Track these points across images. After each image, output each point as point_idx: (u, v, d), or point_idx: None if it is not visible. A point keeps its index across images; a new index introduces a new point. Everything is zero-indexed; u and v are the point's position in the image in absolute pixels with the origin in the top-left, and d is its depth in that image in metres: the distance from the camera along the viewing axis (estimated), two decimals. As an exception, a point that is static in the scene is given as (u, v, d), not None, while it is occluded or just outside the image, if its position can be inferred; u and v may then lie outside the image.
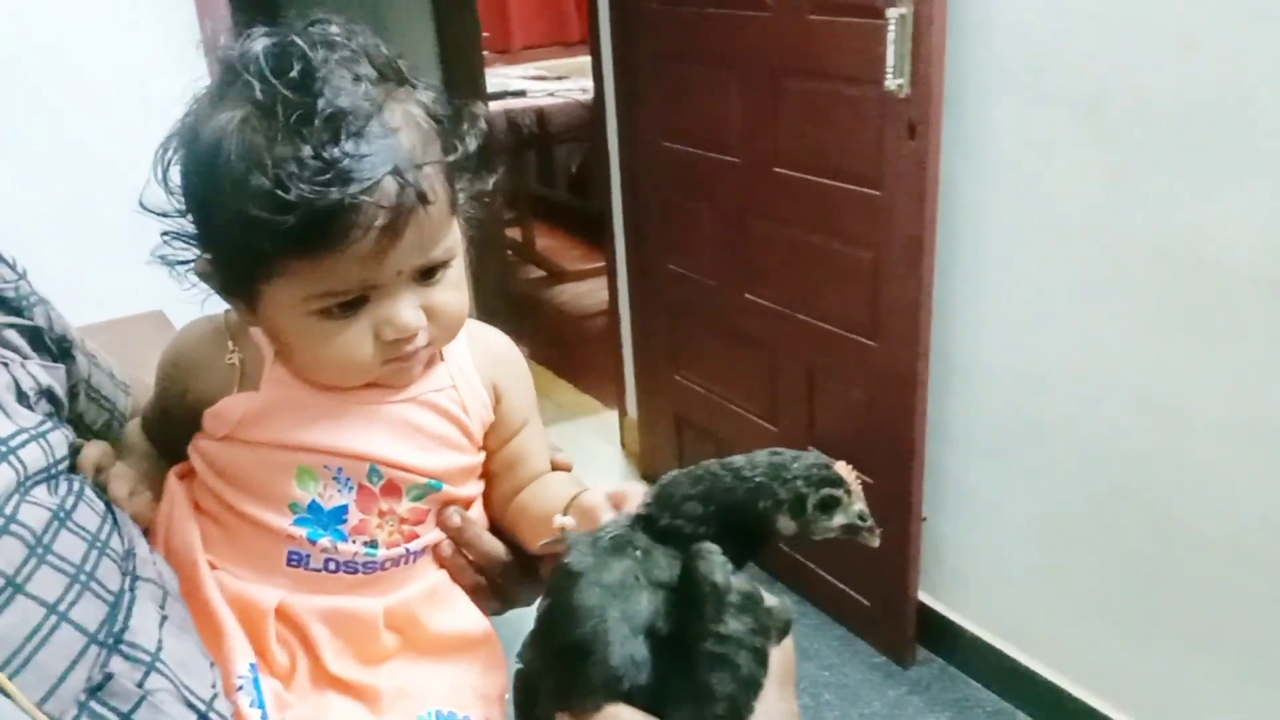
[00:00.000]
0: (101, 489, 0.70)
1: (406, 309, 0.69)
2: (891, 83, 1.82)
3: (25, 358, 0.67)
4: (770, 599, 0.57)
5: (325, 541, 0.74)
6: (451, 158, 0.70)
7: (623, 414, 3.16)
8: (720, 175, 2.34)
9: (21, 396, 0.64)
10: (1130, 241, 1.64)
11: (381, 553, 0.76)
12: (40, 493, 0.59)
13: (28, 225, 1.90)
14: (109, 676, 0.58)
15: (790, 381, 2.31)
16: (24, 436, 0.60)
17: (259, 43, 0.65)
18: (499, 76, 5.48)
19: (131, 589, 0.64)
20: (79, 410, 0.74)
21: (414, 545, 0.78)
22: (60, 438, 0.64)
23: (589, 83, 4.83)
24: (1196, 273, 1.56)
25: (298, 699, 0.73)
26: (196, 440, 0.78)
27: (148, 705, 0.59)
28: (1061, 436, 1.84)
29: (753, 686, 0.52)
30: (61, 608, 0.57)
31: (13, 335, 0.67)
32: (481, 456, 0.82)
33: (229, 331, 0.77)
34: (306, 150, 0.62)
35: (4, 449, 0.58)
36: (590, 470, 3.13)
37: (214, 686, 0.66)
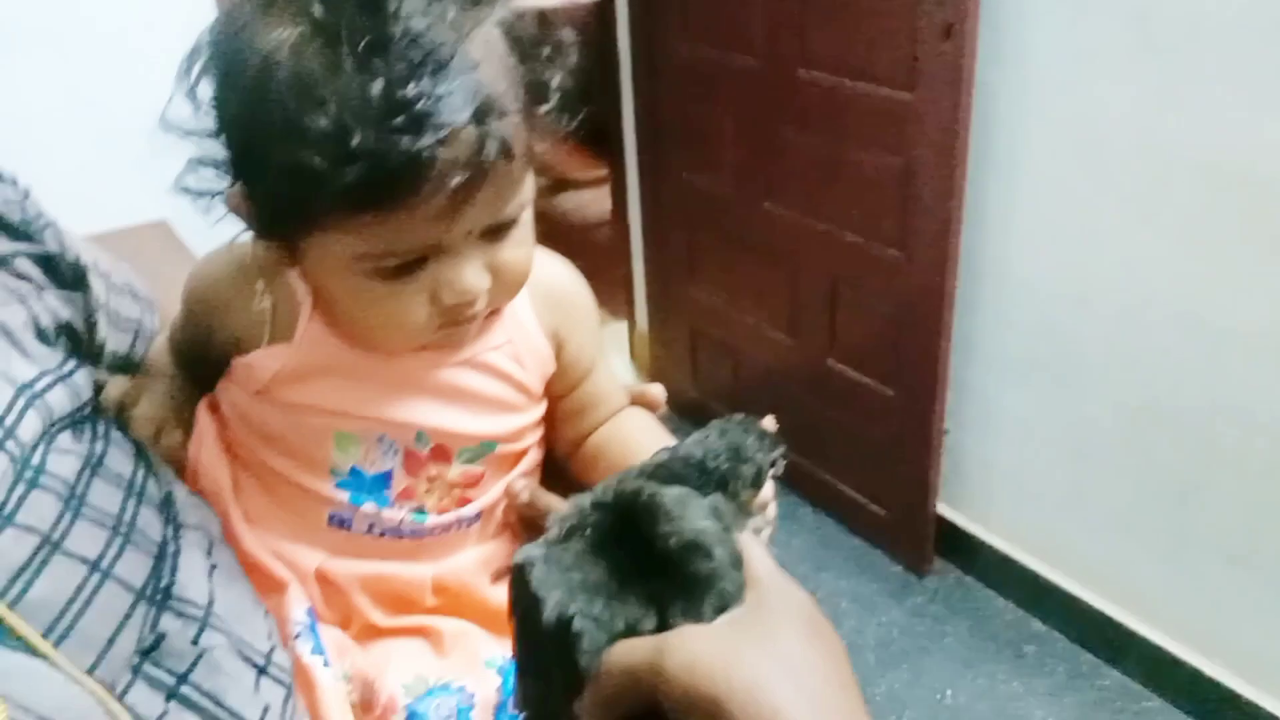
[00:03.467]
0: (126, 430, 0.64)
1: (471, 271, 0.60)
2: (928, -20, 1.74)
3: (41, 288, 0.60)
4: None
5: (368, 507, 0.68)
6: (544, 108, 0.59)
7: (632, 326, 3.12)
8: (740, 78, 2.25)
9: (41, 334, 0.57)
10: (1177, 154, 1.58)
11: (431, 519, 0.70)
12: (66, 439, 0.54)
13: (22, 129, 1.82)
14: (161, 636, 0.53)
15: (812, 294, 2.26)
16: (49, 379, 0.54)
17: None
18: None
19: (176, 538, 0.59)
20: (100, 339, 0.67)
21: (466, 511, 0.71)
22: (85, 377, 0.58)
23: (592, -17, 4.65)
24: (1246, 187, 1.51)
25: (358, 647, 0.69)
26: (227, 385, 0.70)
27: (205, 663, 0.55)
28: (1094, 351, 1.81)
29: (734, 563, 0.49)
30: (104, 564, 0.52)
31: (25, 264, 0.59)
32: (542, 408, 0.75)
33: (259, 269, 0.68)
34: (376, 86, 0.51)
35: (30, 394, 0.52)
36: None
37: (270, 637, 0.62)
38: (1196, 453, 1.70)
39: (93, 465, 0.54)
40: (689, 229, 2.61)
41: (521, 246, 0.64)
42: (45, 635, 0.48)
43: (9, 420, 0.50)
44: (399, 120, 0.51)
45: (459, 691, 0.68)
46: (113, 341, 0.69)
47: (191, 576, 0.58)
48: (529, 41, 0.60)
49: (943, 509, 2.21)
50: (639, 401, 0.81)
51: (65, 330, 0.60)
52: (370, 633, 0.71)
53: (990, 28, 1.75)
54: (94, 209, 1.88)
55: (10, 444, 0.49)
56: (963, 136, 1.81)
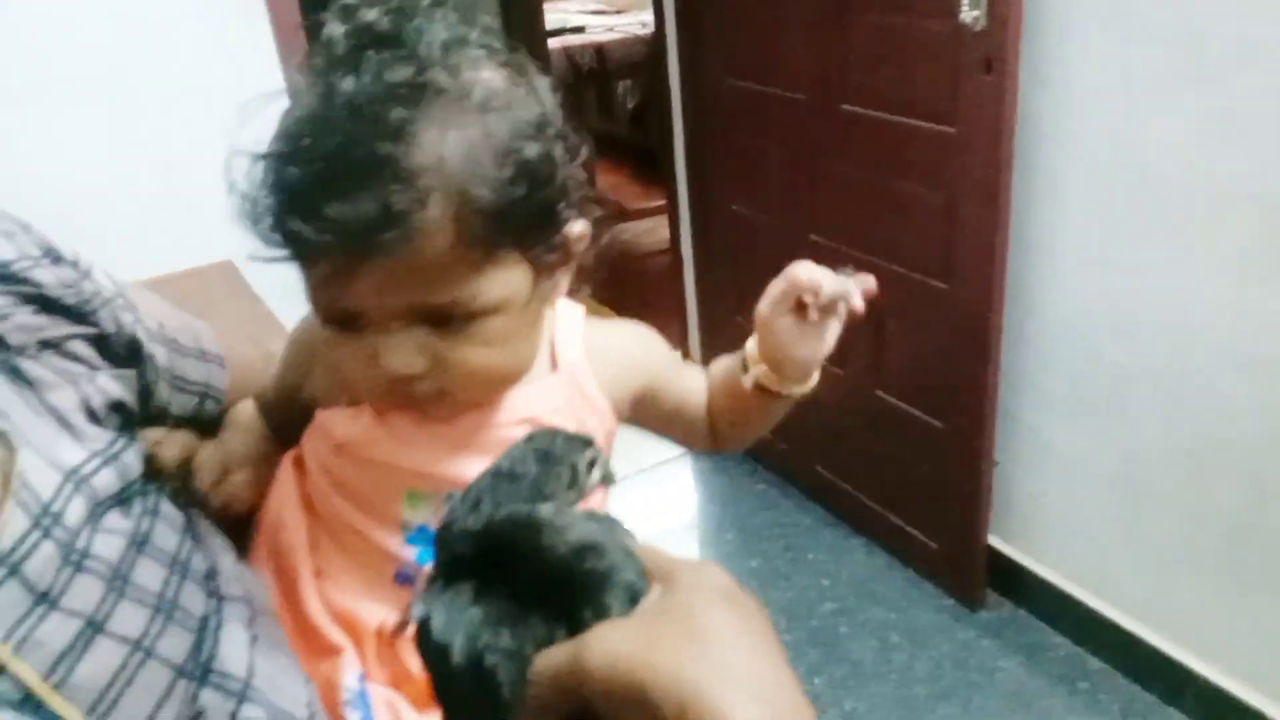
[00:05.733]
0: (180, 490, 0.66)
1: (397, 351, 0.62)
2: (967, 15, 1.74)
3: (94, 369, 0.63)
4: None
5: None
6: (485, 206, 0.59)
7: (685, 356, 3.15)
8: (785, 113, 2.27)
9: (92, 415, 0.61)
10: (1226, 185, 1.55)
11: None
12: (114, 519, 0.56)
13: (97, 176, 1.92)
14: (200, 712, 0.55)
15: (857, 325, 2.25)
16: (96, 461, 0.57)
17: (339, 13, 0.59)
18: (558, 13, 5.40)
19: (218, 611, 0.61)
20: (163, 403, 0.70)
21: None
22: (134, 455, 0.61)
23: (648, 16, 4.73)
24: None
25: (411, 708, 0.71)
26: (309, 437, 0.74)
27: None
28: (1144, 385, 1.78)
29: (629, 555, 0.47)
30: (146, 643, 0.54)
31: (79, 346, 0.63)
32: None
33: None
34: (281, 145, 0.57)
35: (77, 479, 0.55)
36: (654, 412, 3.12)
37: (309, 705, 0.63)
38: (1250, 488, 1.66)
39: (138, 543, 0.57)
40: (737, 259, 2.63)
41: (481, 349, 0.64)
42: (88, 715, 0.50)
43: (56, 506, 0.52)
44: (275, 181, 0.57)
45: None
46: (177, 405, 0.72)
47: (232, 650, 0.60)
48: (493, 149, 0.60)
49: (995, 542, 2.18)
50: None
51: (116, 408, 0.63)
52: (425, 699, 0.72)
53: (1033, 60, 1.75)
54: (161, 251, 1.97)
55: (58, 530, 0.52)
56: (1006, 169, 1.80)
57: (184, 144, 1.95)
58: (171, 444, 0.69)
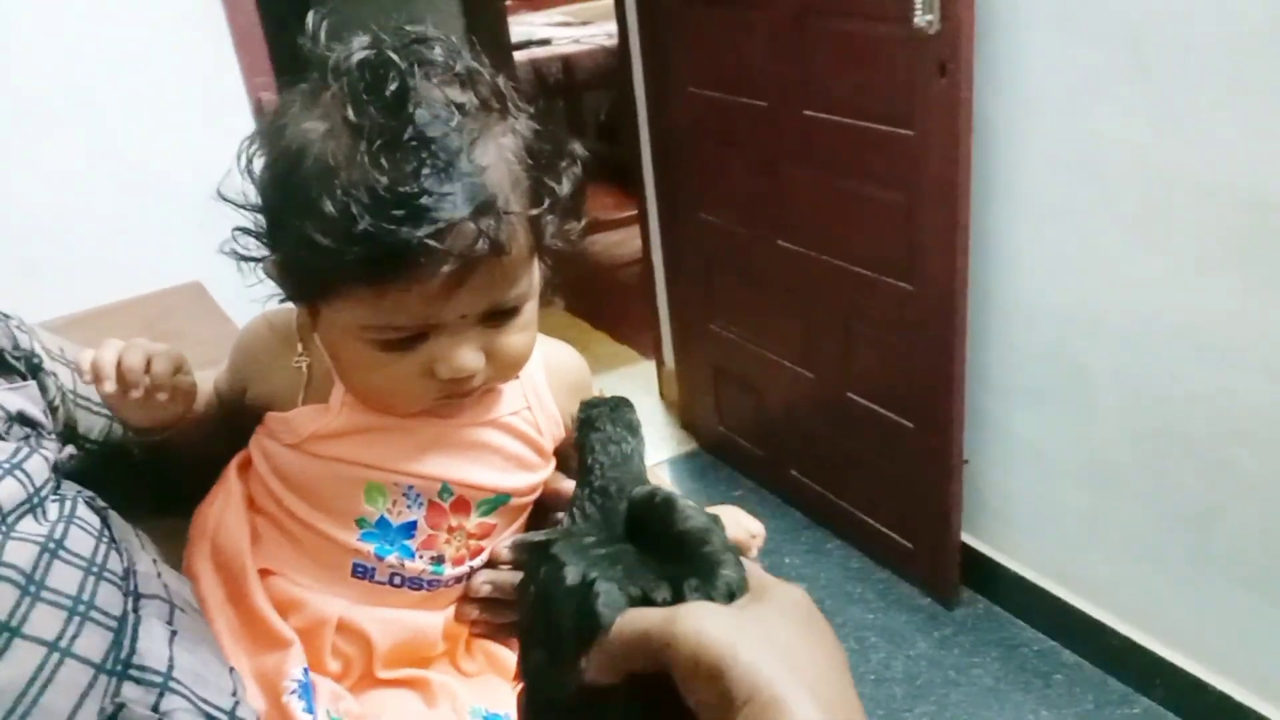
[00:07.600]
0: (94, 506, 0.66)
1: (466, 352, 0.67)
2: (920, 19, 1.76)
3: None
4: None
5: (392, 559, 0.73)
6: (536, 210, 0.66)
7: (660, 364, 3.16)
8: (748, 120, 2.30)
9: None
10: (1176, 179, 1.59)
11: (447, 571, 0.75)
12: (26, 525, 0.57)
13: (66, 201, 1.92)
14: (121, 705, 0.56)
15: (826, 328, 2.29)
16: None
17: (357, 53, 0.62)
18: (523, 25, 5.43)
19: (135, 610, 0.62)
20: (70, 420, 0.71)
21: (477, 561, 0.77)
22: (39, 462, 0.61)
23: (614, 27, 4.76)
24: (1245, 211, 1.51)
25: (352, 695, 0.73)
26: (260, 438, 0.76)
27: None
28: (1106, 378, 1.81)
29: (737, 562, 0.52)
30: (63, 644, 0.55)
31: None
32: (551, 467, 0.82)
33: (300, 333, 0.75)
34: (383, 180, 0.58)
35: None
36: (630, 421, 3.14)
37: (234, 694, 0.65)
38: (1211, 476, 1.69)
39: (51, 549, 0.57)
40: (707, 267, 2.65)
41: (521, 333, 0.70)
42: (9, 715, 0.51)
43: None
44: (398, 211, 0.58)
45: None
46: (84, 425, 0.73)
47: (151, 645, 0.61)
48: (541, 152, 0.67)
49: (968, 539, 2.20)
50: None
51: (18, 419, 0.64)
52: (366, 683, 0.75)
53: (986, 62, 1.78)
54: (135, 272, 1.97)
55: None
56: (964, 169, 1.83)
57: (153, 167, 1.96)
58: (106, 349, 0.69)
